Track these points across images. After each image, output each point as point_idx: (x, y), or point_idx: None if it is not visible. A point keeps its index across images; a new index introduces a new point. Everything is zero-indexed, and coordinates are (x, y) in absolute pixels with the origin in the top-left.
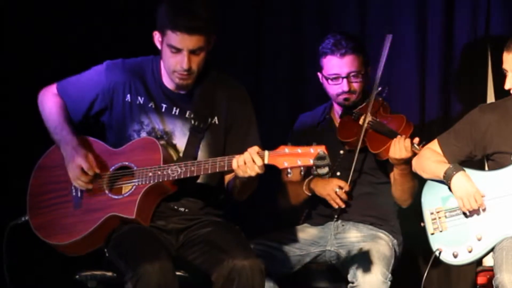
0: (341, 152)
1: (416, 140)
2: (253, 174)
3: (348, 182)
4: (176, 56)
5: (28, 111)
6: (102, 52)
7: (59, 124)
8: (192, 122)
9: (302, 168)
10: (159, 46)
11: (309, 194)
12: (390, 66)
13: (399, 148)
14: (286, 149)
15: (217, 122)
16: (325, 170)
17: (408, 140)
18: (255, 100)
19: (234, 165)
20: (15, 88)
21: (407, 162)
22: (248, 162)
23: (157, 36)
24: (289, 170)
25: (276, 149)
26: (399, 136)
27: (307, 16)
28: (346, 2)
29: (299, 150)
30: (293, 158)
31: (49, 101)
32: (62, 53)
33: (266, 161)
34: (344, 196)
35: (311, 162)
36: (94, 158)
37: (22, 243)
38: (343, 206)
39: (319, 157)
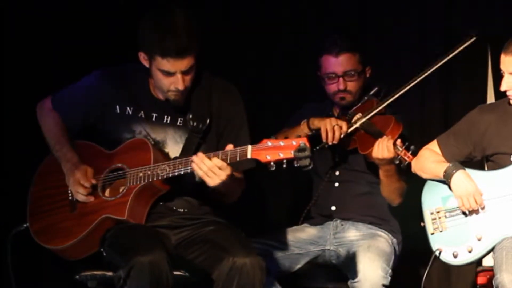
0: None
1: (399, 141)
2: (222, 178)
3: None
4: (168, 78)
5: (30, 116)
6: (101, 52)
7: (58, 142)
8: (191, 123)
9: (284, 160)
10: (146, 65)
11: (309, 133)
12: (390, 66)
13: (381, 148)
14: (269, 142)
15: (207, 127)
16: (306, 161)
17: (390, 141)
18: (256, 100)
19: (200, 173)
20: (15, 94)
21: (391, 163)
22: (213, 168)
23: (143, 56)
24: (272, 163)
25: (259, 143)
26: (384, 136)
27: (307, 16)
28: (346, 2)
29: (281, 142)
30: (275, 151)
31: (47, 116)
32: (61, 55)
33: (249, 156)
34: (338, 133)
35: (292, 154)
36: (92, 170)
37: (24, 247)
38: (335, 141)
39: (299, 149)
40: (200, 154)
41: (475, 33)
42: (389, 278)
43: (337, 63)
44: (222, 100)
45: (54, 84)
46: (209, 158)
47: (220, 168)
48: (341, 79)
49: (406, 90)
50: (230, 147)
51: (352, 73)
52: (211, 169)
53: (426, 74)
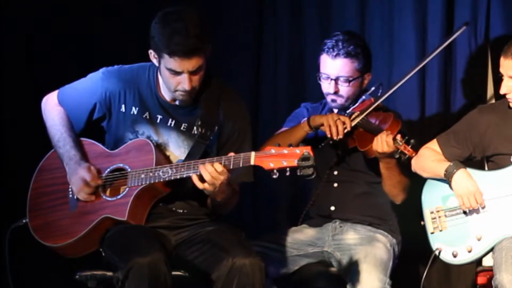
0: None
1: (399, 136)
2: (219, 182)
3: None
4: (176, 77)
5: (30, 114)
6: (101, 52)
7: (62, 138)
8: (200, 130)
9: (288, 169)
10: (156, 63)
11: (310, 131)
12: (390, 66)
13: (381, 142)
14: (273, 150)
15: (215, 136)
16: (310, 171)
17: (390, 136)
18: (255, 101)
19: (200, 186)
20: (15, 91)
21: (391, 156)
22: (212, 173)
23: (153, 54)
24: (275, 171)
25: (263, 150)
26: (383, 131)
27: (307, 16)
28: (346, 2)
29: (285, 151)
30: (279, 159)
31: (52, 111)
32: (62, 53)
33: (252, 162)
34: (342, 127)
35: (295, 163)
36: (95, 169)
37: (23, 244)
38: (340, 136)
39: (303, 158)
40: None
41: (467, 22)
42: (388, 287)
43: (332, 66)
44: (229, 111)
45: (55, 81)
46: (211, 164)
47: (220, 174)
48: (333, 81)
49: (402, 82)
50: (231, 155)
51: (345, 79)
52: (210, 174)
53: (420, 65)
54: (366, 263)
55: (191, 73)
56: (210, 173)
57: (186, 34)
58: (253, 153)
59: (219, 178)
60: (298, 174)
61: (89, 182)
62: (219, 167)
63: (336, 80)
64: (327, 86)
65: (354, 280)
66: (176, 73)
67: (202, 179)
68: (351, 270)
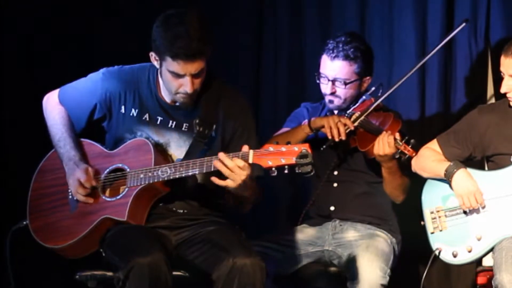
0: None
1: (398, 135)
2: (242, 178)
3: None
4: (178, 80)
5: (30, 114)
6: (101, 52)
7: (62, 138)
8: (198, 128)
9: (286, 166)
10: (156, 65)
11: (310, 133)
12: (390, 66)
13: (382, 144)
14: (271, 148)
15: (213, 134)
16: (308, 168)
17: (391, 137)
18: (255, 101)
19: (222, 183)
20: (15, 91)
21: (393, 158)
22: (234, 168)
23: (153, 57)
24: (273, 169)
25: (261, 148)
26: (383, 132)
27: (307, 16)
28: (346, 2)
29: (283, 148)
30: (277, 156)
31: (53, 110)
32: (62, 53)
33: (250, 161)
34: (343, 128)
35: (293, 160)
36: (93, 170)
37: (23, 245)
38: (342, 138)
39: (301, 155)
40: (221, 154)
41: (466, 18)
42: (388, 277)
43: (330, 68)
44: (229, 110)
45: (55, 81)
46: (230, 158)
47: (241, 168)
48: (330, 83)
49: (403, 80)
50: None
51: (342, 81)
52: (232, 169)
53: (421, 63)
54: (368, 252)
55: (193, 76)
56: (231, 168)
57: (189, 37)
58: (251, 151)
59: (241, 173)
60: (297, 171)
61: (83, 183)
62: (240, 162)
63: (334, 81)
64: (324, 87)
65: (354, 270)
66: (178, 76)
67: (222, 177)
68: (353, 260)
